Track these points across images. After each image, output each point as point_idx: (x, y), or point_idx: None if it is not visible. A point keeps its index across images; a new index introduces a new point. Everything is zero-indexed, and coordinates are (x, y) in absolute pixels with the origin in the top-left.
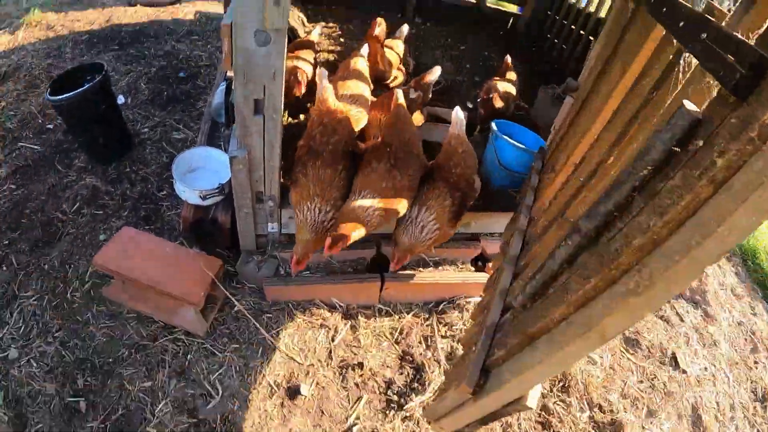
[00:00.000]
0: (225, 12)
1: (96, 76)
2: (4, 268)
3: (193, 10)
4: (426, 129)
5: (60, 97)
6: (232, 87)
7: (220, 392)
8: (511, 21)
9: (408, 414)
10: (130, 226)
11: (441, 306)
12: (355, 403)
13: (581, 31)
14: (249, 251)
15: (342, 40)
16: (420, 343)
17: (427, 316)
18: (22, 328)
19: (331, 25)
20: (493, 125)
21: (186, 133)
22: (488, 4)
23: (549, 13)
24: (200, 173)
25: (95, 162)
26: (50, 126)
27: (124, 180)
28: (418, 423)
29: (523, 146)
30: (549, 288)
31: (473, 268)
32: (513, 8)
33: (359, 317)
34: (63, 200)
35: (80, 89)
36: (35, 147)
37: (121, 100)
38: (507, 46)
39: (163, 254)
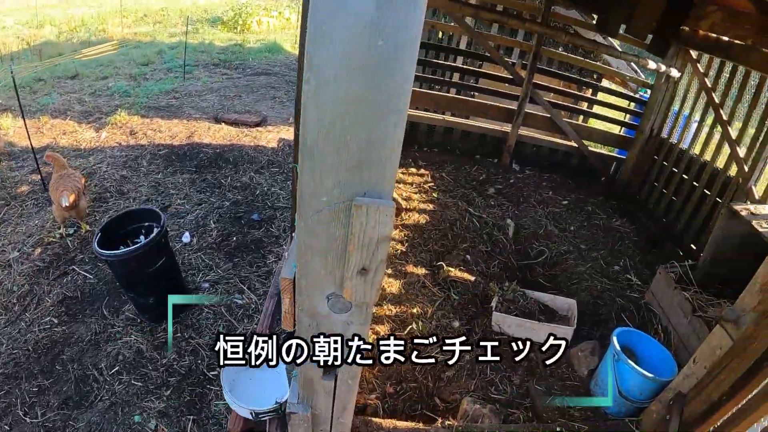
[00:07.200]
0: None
1: (152, 225)
2: (28, 420)
3: (276, 137)
4: None
5: (109, 252)
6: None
7: None
8: (614, 166)
9: None
10: None
11: None
12: None
13: (694, 183)
14: None
15: (434, 185)
16: None
17: None
18: None
19: (422, 172)
20: (614, 339)
21: (249, 299)
22: (590, 149)
23: (656, 157)
24: (257, 375)
25: (145, 318)
26: None
27: (172, 347)
28: None
29: (651, 375)
30: None
31: None
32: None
33: None
34: (103, 355)
35: (132, 248)
36: (89, 276)
37: (186, 238)
38: (608, 197)
39: None
